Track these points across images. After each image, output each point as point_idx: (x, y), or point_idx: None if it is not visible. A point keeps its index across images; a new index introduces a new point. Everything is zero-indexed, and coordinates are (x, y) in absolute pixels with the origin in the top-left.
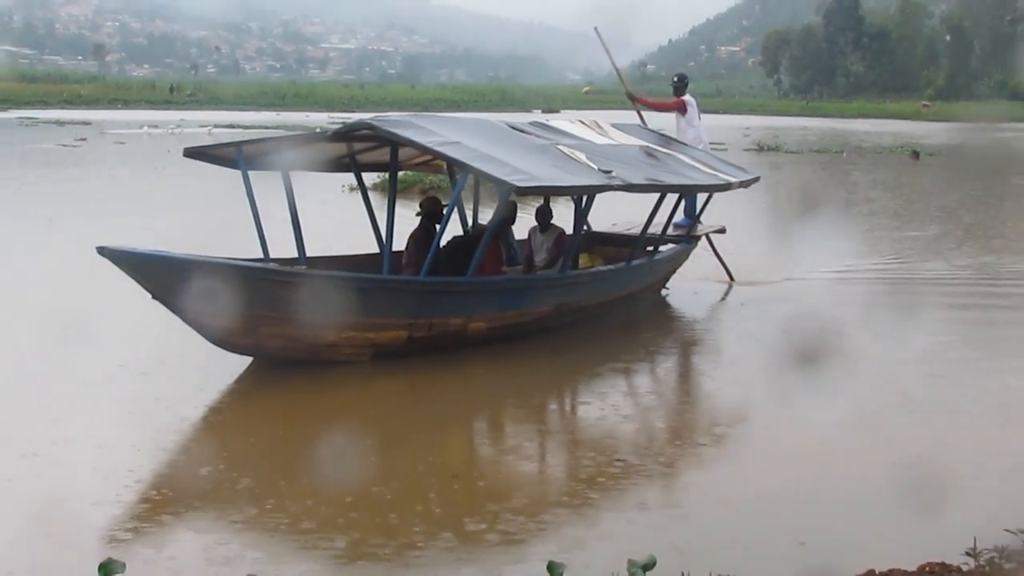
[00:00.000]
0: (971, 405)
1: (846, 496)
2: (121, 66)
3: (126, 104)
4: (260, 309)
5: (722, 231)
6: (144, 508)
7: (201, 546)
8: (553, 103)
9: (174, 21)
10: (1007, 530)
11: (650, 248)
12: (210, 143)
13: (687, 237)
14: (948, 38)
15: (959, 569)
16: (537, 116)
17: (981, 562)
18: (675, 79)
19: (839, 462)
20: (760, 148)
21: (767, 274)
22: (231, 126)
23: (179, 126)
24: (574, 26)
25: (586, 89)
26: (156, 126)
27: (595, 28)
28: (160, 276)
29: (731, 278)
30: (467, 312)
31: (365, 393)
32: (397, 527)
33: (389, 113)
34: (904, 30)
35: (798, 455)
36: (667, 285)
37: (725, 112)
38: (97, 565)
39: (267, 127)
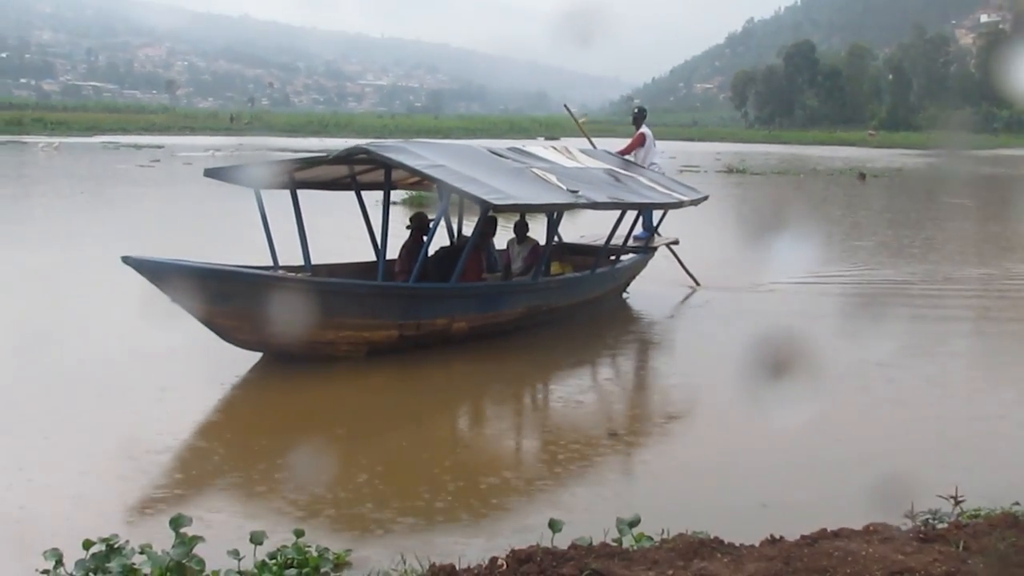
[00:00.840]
0: (911, 389)
1: (796, 466)
2: (189, 99)
3: (193, 131)
4: (266, 311)
5: (676, 243)
6: (173, 480)
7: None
8: (554, 131)
9: (234, 61)
10: (939, 496)
11: (613, 257)
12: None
13: (645, 248)
14: (890, 77)
15: (899, 528)
16: (540, 141)
17: (917, 523)
18: (635, 111)
19: (789, 439)
20: (729, 170)
21: (728, 280)
22: (282, 150)
23: (238, 149)
24: (573, 65)
25: (583, 119)
26: (219, 149)
27: (565, 105)
28: (177, 282)
29: (696, 283)
30: (451, 314)
31: (363, 384)
32: (404, 499)
33: (385, 140)
34: (852, 70)
35: (752, 433)
36: (627, 290)
37: (700, 140)
38: (168, 519)
39: (311, 150)
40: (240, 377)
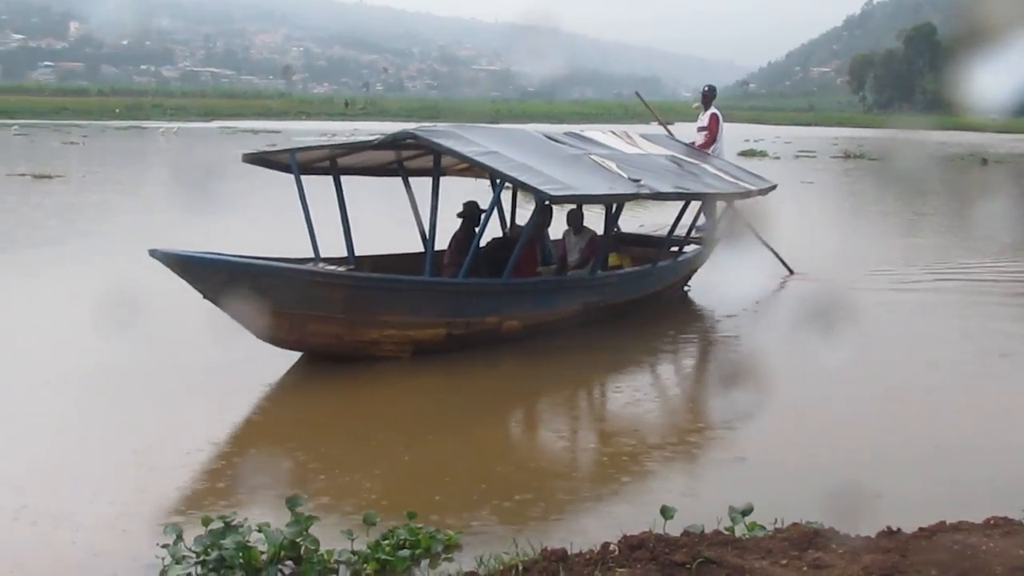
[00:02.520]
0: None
1: (912, 458)
2: (304, 84)
3: (308, 116)
4: (305, 308)
5: (740, 235)
6: (271, 468)
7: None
8: (668, 116)
9: (349, 47)
10: None
11: (675, 248)
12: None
13: (708, 239)
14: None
15: (1021, 523)
16: (600, 126)
17: None
18: (706, 88)
19: (904, 430)
20: (846, 155)
21: (826, 271)
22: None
23: (352, 135)
24: (687, 50)
25: (696, 105)
26: (335, 135)
27: (636, 92)
28: (207, 277)
29: (790, 271)
30: (502, 311)
31: (413, 385)
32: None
33: (436, 124)
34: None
35: (862, 424)
36: (688, 283)
37: (816, 125)
38: (285, 499)
39: None
40: (289, 377)
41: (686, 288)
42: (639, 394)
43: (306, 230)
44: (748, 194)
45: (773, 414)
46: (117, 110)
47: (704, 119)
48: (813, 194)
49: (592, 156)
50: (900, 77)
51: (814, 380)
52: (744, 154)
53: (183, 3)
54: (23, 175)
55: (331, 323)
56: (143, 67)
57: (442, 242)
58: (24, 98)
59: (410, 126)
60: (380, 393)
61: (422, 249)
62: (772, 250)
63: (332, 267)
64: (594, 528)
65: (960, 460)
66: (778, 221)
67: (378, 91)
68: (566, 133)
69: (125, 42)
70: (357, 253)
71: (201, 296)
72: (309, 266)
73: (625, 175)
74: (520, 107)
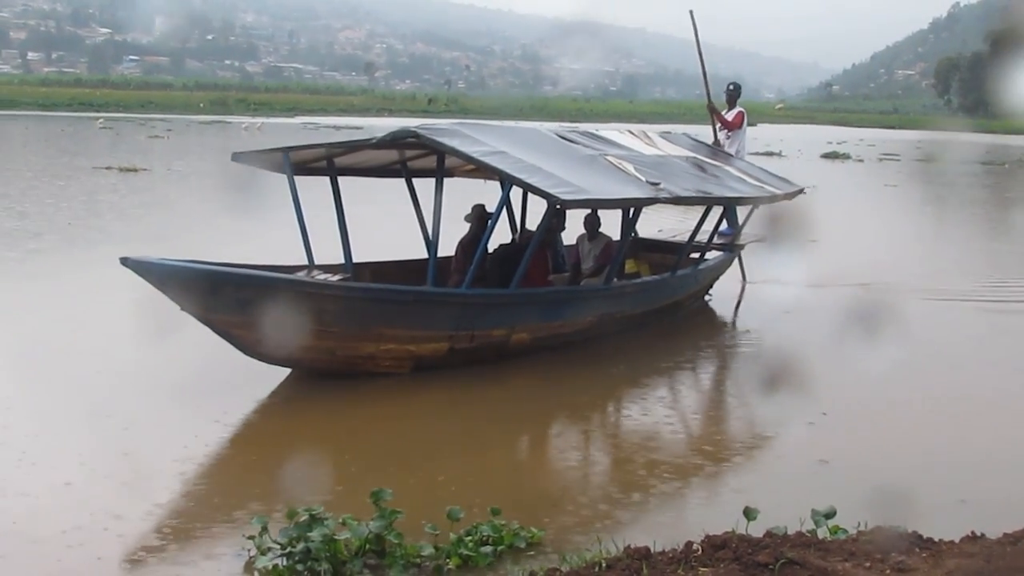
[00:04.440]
0: None
1: (997, 464)
2: (387, 81)
3: (391, 112)
4: (291, 320)
5: (763, 240)
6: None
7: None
8: (750, 117)
9: (432, 44)
10: None
11: (695, 256)
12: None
13: (731, 245)
14: None
15: None
16: (617, 125)
17: None
18: (730, 87)
19: (986, 436)
20: (931, 159)
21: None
22: None
23: None
24: (771, 51)
25: (779, 106)
26: None
27: (690, 11)
28: (185, 288)
29: (744, 279)
30: (510, 323)
31: (408, 406)
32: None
33: (438, 121)
34: None
35: (927, 428)
36: (710, 292)
37: (900, 127)
38: (370, 492)
39: None
40: (262, 401)
41: (707, 297)
42: (692, 401)
43: (299, 235)
44: (774, 198)
45: (848, 419)
46: (201, 104)
47: (730, 116)
48: (894, 196)
49: (608, 157)
50: (987, 80)
51: (874, 385)
52: (826, 156)
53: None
54: (109, 168)
55: (323, 336)
56: (227, 62)
57: (450, 247)
58: (110, 91)
59: (493, 123)
60: (368, 412)
61: (426, 255)
62: (740, 258)
63: (324, 276)
64: (675, 529)
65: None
66: (860, 225)
67: (460, 88)
68: (581, 132)
69: (210, 37)
70: (374, 258)
71: (179, 309)
72: (301, 275)
73: (643, 178)
74: (601, 106)
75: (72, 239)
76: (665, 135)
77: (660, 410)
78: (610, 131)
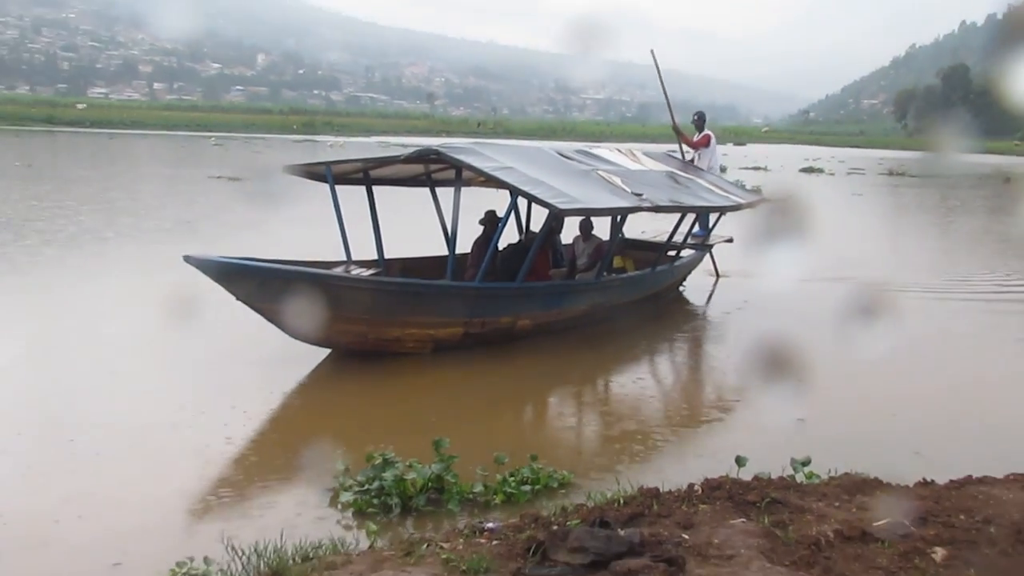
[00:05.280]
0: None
1: (946, 424)
2: (445, 108)
3: (448, 134)
4: (333, 309)
5: (730, 241)
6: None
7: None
8: (741, 138)
9: (481, 77)
10: None
11: (672, 254)
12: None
13: (702, 245)
14: None
15: None
16: (608, 144)
17: None
18: (695, 117)
19: (938, 401)
20: (890, 173)
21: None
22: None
23: None
24: (758, 84)
25: (765, 129)
26: None
27: (651, 51)
28: (241, 282)
29: (717, 275)
30: (516, 312)
31: (432, 379)
32: (599, 445)
33: (455, 140)
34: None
35: (889, 394)
36: (684, 284)
37: (866, 147)
38: (432, 441)
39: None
40: (306, 375)
41: (681, 288)
42: (676, 373)
43: (347, 234)
44: (738, 207)
45: (823, 385)
46: (295, 126)
47: (696, 138)
48: (861, 204)
49: (599, 172)
50: (937, 108)
51: (841, 358)
52: (804, 170)
53: (349, 40)
54: (219, 177)
55: (356, 322)
56: (315, 92)
57: (466, 245)
58: (220, 115)
59: (531, 142)
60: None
61: (447, 252)
62: (712, 256)
63: (359, 271)
64: (679, 473)
65: (986, 426)
66: (828, 225)
67: (504, 114)
68: (576, 150)
69: (301, 71)
70: (410, 254)
71: (235, 299)
72: (339, 270)
73: (629, 190)
74: (619, 129)
75: (191, 232)
76: (648, 153)
77: (649, 381)
78: (602, 149)
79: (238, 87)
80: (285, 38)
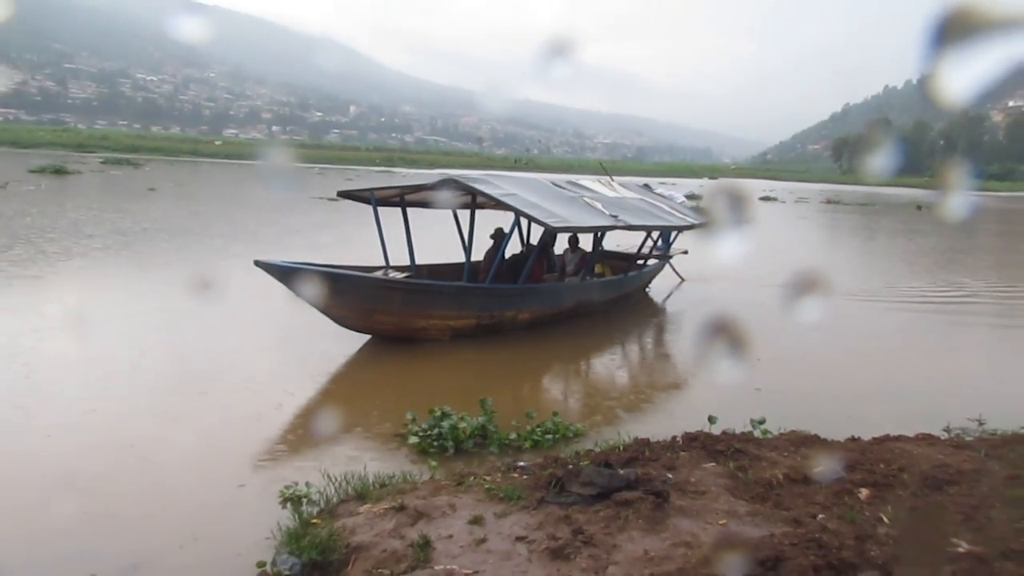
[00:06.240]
0: (943, 349)
1: (869, 394)
2: (490, 148)
3: (491, 168)
4: (372, 304)
5: (685, 253)
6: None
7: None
8: (714, 174)
9: (518, 125)
10: (968, 419)
11: (640, 262)
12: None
13: (663, 256)
14: (942, 142)
15: (939, 437)
16: (591, 176)
17: (952, 435)
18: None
19: (848, 376)
20: (828, 201)
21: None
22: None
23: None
24: (728, 131)
25: (733, 167)
26: None
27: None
28: (301, 282)
29: (682, 278)
30: (518, 307)
31: (459, 356)
32: (599, 406)
33: (472, 172)
34: (916, 137)
35: (819, 371)
36: (649, 286)
37: (809, 181)
38: (479, 400)
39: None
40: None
41: (647, 290)
42: (651, 353)
43: (398, 246)
44: (692, 226)
45: (776, 362)
46: (376, 161)
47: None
48: (804, 224)
49: (584, 198)
50: (865, 152)
51: (790, 344)
52: (763, 199)
53: (419, 96)
54: (320, 198)
55: (391, 315)
56: (393, 135)
57: (479, 254)
58: (321, 151)
59: (554, 175)
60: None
61: (464, 259)
62: (672, 266)
63: (395, 273)
64: (664, 427)
65: (901, 395)
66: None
67: (535, 154)
68: (567, 181)
69: (382, 119)
70: (440, 260)
71: (296, 296)
72: (379, 273)
73: (607, 212)
74: (623, 165)
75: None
76: (623, 183)
77: (630, 358)
78: (586, 180)
79: (335, 130)
80: (371, 93)
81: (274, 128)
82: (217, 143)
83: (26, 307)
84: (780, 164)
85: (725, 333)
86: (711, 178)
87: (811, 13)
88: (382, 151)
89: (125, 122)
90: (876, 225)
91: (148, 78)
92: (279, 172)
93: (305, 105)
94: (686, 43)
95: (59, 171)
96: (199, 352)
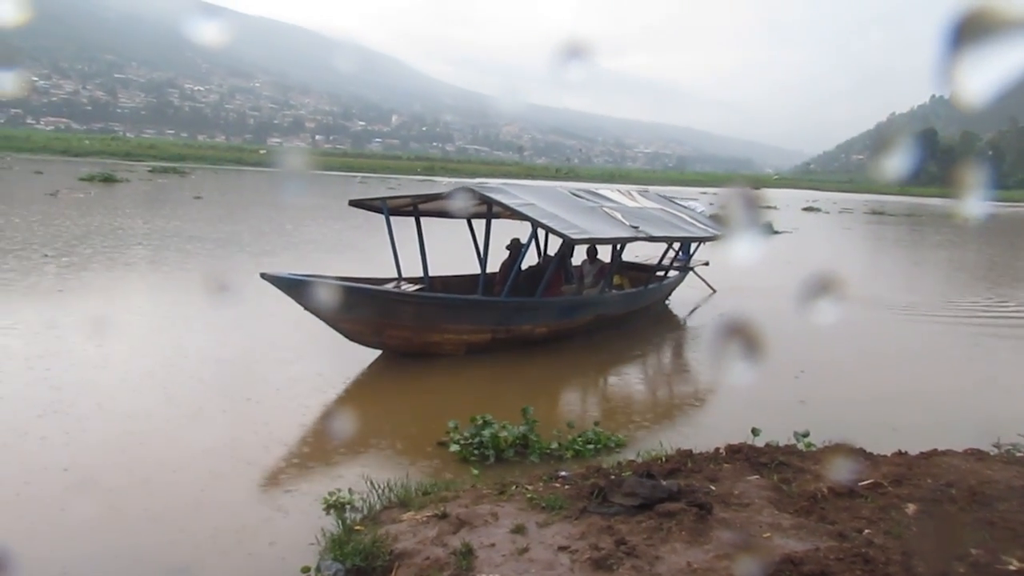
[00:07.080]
0: (997, 363)
1: (917, 406)
2: (531, 157)
3: (532, 177)
4: (384, 318)
5: (706, 264)
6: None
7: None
8: (756, 184)
9: (558, 135)
10: (1020, 434)
11: (661, 273)
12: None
13: (684, 267)
14: (990, 152)
15: (988, 453)
16: (611, 186)
17: (1003, 450)
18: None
19: (912, 388)
20: (873, 212)
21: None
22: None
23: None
24: (770, 141)
25: (776, 177)
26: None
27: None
28: (309, 295)
29: (713, 289)
30: (534, 321)
31: (476, 371)
32: (645, 418)
33: (491, 180)
34: (963, 148)
35: (863, 383)
36: (669, 299)
37: (853, 192)
38: (521, 409)
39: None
40: (360, 372)
41: (667, 302)
42: (676, 366)
43: (407, 257)
44: (714, 238)
45: (817, 375)
46: (419, 170)
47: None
48: (848, 236)
49: (604, 208)
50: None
51: (830, 356)
52: (806, 209)
53: (461, 105)
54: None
55: (403, 329)
56: (434, 144)
57: (495, 266)
58: (364, 160)
59: (595, 184)
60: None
61: (479, 271)
62: (702, 277)
63: (407, 286)
64: (707, 439)
65: (949, 410)
66: (820, 252)
67: (575, 163)
68: (585, 190)
69: (424, 128)
70: (444, 273)
71: (303, 309)
72: (390, 286)
73: (627, 223)
74: (664, 175)
75: (342, 244)
76: (643, 193)
77: (653, 372)
78: (605, 190)
79: (377, 139)
80: (413, 103)
81: (317, 137)
82: (261, 152)
83: (78, 313)
84: (823, 174)
85: (753, 344)
86: (753, 188)
87: (850, 22)
88: (424, 160)
89: (172, 131)
90: (917, 236)
91: (195, 88)
92: (305, 178)
93: (348, 114)
94: (727, 53)
95: (108, 179)
96: (243, 360)
